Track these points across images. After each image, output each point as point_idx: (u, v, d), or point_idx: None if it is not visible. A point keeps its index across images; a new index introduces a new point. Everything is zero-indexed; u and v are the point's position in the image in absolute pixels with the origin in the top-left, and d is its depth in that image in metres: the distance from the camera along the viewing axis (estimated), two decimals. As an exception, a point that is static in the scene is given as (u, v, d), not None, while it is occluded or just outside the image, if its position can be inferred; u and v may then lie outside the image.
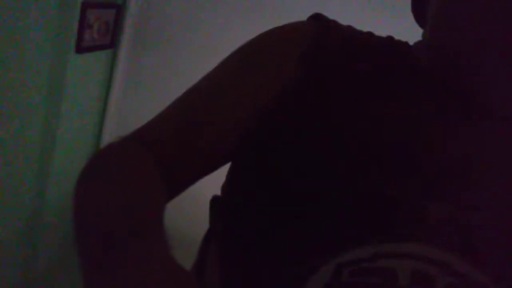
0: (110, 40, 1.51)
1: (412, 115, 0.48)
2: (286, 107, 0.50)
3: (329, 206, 0.45)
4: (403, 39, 0.57)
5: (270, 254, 0.47)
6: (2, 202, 1.37)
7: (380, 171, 0.45)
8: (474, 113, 0.48)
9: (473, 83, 0.47)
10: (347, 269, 0.43)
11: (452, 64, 0.48)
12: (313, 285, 0.43)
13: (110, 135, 1.67)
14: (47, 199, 1.53)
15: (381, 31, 0.57)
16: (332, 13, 0.60)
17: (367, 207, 0.44)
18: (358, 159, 0.46)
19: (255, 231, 0.49)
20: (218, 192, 0.59)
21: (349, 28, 0.56)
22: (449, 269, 0.43)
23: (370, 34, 0.56)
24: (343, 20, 0.57)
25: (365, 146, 0.46)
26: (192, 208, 1.08)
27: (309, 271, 0.44)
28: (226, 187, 0.57)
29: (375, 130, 0.47)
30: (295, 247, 0.45)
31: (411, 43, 0.56)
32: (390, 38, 0.56)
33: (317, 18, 0.56)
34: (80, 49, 1.38)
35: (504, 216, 0.46)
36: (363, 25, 0.58)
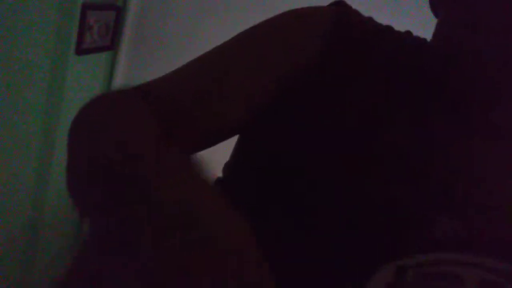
0: (110, 42, 1.52)
1: (423, 120, 0.48)
2: (304, 86, 0.49)
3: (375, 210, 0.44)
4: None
5: (308, 254, 0.45)
6: (2, 202, 1.38)
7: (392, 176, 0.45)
8: (483, 124, 0.48)
9: (472, 90, 0.47)
10: (411, 270, 0.42)
11: (451, 64, 0.49)
12: (375, 284, 0.42)
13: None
14: (47, 199, 1.54)
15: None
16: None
17: (422, 215, 0.44)
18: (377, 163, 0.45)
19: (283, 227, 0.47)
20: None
21: (370, 19, 0.56)
22: None
23: (389, 28, 0.55)
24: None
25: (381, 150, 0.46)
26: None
27: (367, 272, 0.43)
28: (234, 167, 0.56)
29: (386, 133, 0.47)
30: (347, 249, 0.44)
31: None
32: (408, 33, 0.56)
33: (338, 4, 0.56)
34: (80, 51, 1.39)
35: None
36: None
